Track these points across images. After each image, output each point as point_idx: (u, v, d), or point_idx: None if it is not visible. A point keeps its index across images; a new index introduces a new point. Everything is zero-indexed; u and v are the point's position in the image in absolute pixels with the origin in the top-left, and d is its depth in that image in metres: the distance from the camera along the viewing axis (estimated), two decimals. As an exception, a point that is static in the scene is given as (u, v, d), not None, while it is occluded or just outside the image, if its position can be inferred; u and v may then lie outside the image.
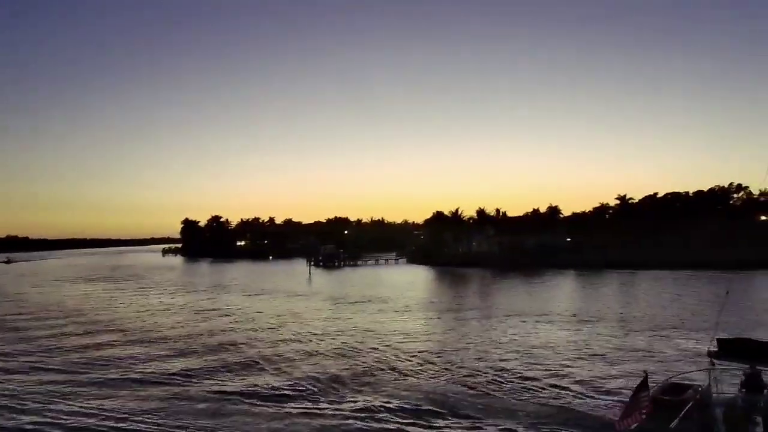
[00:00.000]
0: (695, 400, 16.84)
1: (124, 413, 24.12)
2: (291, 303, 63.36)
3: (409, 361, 32.72)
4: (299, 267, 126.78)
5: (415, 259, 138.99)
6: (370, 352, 35.48)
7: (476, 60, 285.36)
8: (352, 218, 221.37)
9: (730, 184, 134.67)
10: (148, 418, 23.40)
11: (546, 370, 29.59)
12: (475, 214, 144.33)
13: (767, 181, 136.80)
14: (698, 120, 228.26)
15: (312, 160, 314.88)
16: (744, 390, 17.44)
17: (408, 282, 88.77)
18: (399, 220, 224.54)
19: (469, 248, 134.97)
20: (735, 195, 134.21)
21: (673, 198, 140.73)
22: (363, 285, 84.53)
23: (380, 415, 23.04)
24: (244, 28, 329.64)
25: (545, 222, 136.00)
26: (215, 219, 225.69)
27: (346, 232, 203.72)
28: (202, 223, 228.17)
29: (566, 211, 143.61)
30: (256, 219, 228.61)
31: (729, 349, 17.98)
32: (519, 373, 29.07)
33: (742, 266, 77.35)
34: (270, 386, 27.76)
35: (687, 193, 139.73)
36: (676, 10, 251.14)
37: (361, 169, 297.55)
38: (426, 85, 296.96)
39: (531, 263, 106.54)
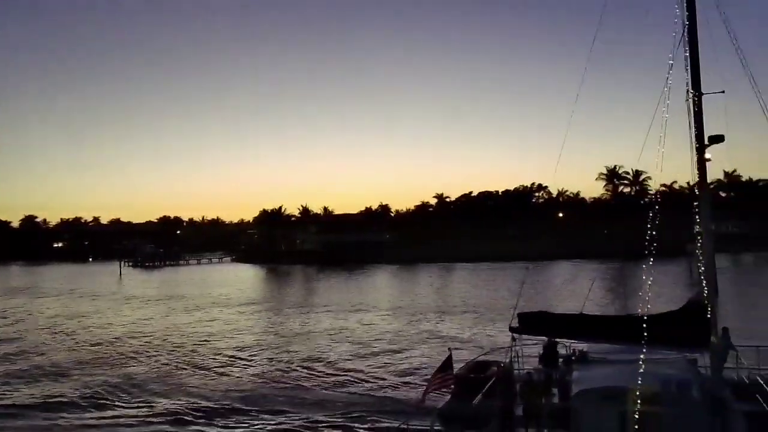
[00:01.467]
0: (497, 376, 16.52)
1: None
2: (91, 304, 59.10)
3: (215, 359, 31.14)
4: (117, 268, 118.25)
5: (242, 257, 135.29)
6: (174, 351, 33.51)
7: (307, 60, 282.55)
8: (187, 218, 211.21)
9: (532, 184, 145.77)
10: None
11: (357, 358, 29.58)
12: (301, 213, 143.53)
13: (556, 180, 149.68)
14: (506, 122, 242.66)
15: (144, 158, 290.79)
16: (542, 362, 17.58)
17: (224, 280, 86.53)
18: (236, 219, 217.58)
19: (293, 246, 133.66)
20: (536, 194, 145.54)
21: (485, 197, 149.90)
22: (176, 284, 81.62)
23: (186, 418, 21.37)
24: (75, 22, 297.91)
25: (377, 219, 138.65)
26: (29, 219, 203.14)
27: (178, 232, 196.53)
28: (16, 223, 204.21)
29: (399, 209, 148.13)
30: (78, 219, 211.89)
31: (529, 323, 17.98)
32: (331, 363, 28.74)
33: (543, 257, 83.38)
34: (66, 396, 24.85)
35: (497, 192, 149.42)
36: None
37: (199, 167, 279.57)
38: (258, 85, 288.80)
39: (353, 259, 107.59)
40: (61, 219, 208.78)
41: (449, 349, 15.96)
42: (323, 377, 25.94)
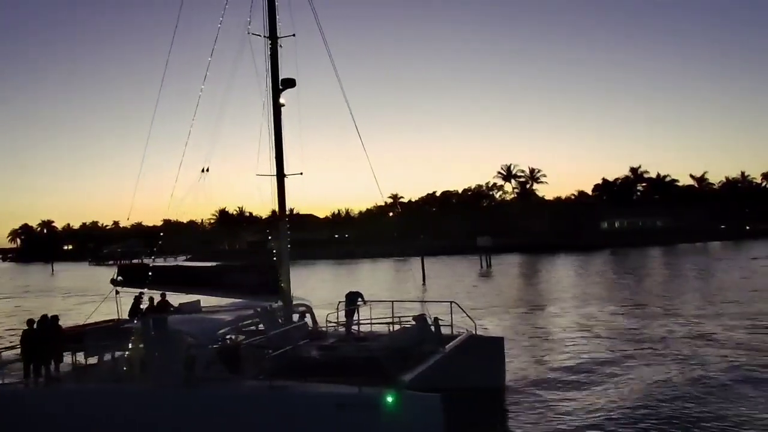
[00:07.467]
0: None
1: None
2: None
3: None
4: (82, 267, 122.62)
5: (195, 257, 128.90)
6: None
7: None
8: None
9: (486, 183, 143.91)
10: None
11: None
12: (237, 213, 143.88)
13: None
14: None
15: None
16: (130, 314, 16.49)
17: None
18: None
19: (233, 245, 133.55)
20: (493, 193, 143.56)
21: (448, 195, 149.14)
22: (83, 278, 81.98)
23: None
24: None
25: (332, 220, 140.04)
26: (46, 224, 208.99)
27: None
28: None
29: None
30: (95, 223, 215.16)
31: (128, 276, 17.00)
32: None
33: (500, 250, 78.24)
34: None
35: (457, 191, 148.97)
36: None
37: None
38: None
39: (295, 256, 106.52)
40: (83, 224, 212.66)
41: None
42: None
